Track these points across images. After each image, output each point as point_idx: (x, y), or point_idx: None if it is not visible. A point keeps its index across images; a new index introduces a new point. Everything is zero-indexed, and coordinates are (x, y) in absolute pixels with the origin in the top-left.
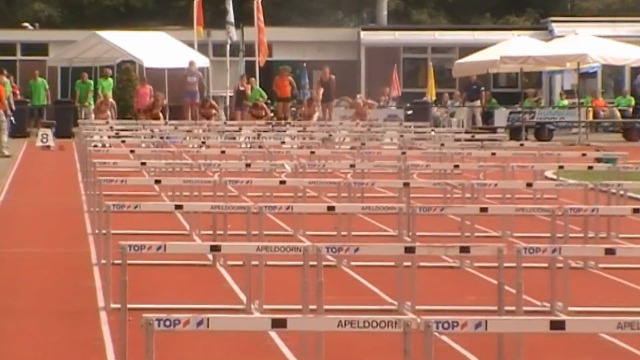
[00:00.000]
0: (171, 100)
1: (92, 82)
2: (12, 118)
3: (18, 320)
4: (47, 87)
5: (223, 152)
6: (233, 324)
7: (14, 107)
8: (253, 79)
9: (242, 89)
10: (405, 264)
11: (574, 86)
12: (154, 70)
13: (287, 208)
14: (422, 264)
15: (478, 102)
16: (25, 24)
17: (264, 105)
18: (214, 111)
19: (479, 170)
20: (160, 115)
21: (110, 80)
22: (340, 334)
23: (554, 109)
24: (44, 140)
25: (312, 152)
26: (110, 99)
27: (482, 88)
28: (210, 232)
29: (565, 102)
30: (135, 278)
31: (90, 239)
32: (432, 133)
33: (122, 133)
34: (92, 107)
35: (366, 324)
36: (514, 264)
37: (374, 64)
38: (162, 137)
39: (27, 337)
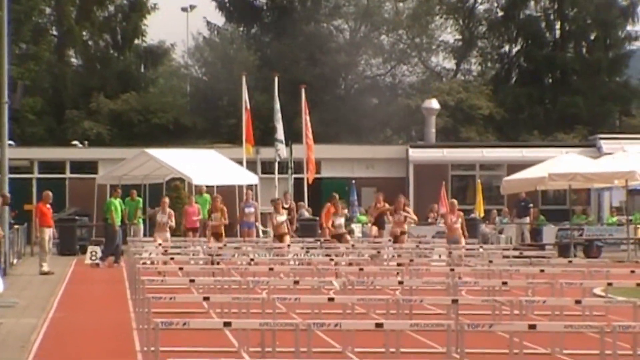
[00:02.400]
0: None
1: (140, 199)
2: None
3: None
4: (123, 207)
5: (271, 269)
6: None
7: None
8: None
9: (286, 206)
10: None
11: (622, 203)
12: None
13: (336, 325)
14: None
15: (527, 219)
16: (75, 142)
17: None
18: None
19: (527, 287)
20: (222, 225)
21: (205, 196)
22: None
23: (602, 226)
24: (93, 257)
25: (361, 269)
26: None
27: (531, 205)
28: (259, 349)
29: (614, 219)
30: None
31: (139, 356)
32: (481, 250)
33: (170, 251)
34: (141, 225)
35: None
36: None
37: (423, 180)
38: (210, 255)
39: None
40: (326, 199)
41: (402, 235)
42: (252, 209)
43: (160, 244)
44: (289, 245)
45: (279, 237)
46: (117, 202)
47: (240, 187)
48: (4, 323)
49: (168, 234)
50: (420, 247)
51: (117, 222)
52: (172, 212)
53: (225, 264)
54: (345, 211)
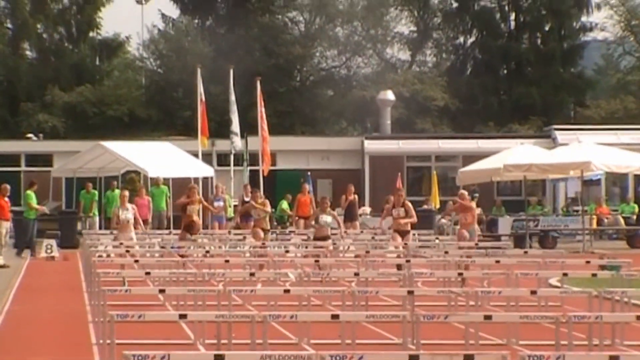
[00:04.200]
0: (175, 210)
1: (96, 192)
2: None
3: None
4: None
5: (227, 261)
6: None
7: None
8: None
9: (246, 199)
10: None
11: (577, 194)
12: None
13: (292, 317)
14: None
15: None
16: (30, 135)
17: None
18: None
19: (483, 278)
20: (196, 221)
21: (162, 188)
22: None
23: (558, 217)
24: (48, 250)
25: (317, 261)
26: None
27: (476, 195)
28: (215, 341)
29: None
30: None
31: (95, 349)
32: (437, 241)
33: (126, 243)
34: (97, 217)
35: None
36: None
37: (378, 172)
38: (163, 247)
39: None
40: (283, 190)
41: (406, 235)
42: (222, 203)
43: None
44: (264, 244)
45: (257, 235)
46: (33, 194)
47: (196, 179)
48: None
49: (133, 234)
50: (376, 239)
51: (32, 214)
52: (135, 206)
53: (181, 257)
54: (335, 212)
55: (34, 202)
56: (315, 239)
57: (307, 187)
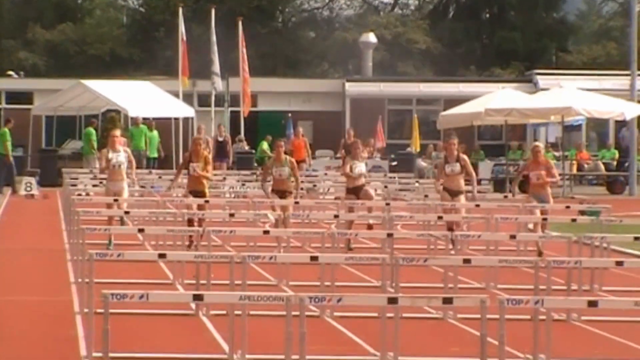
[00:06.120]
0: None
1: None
2: None
3: None
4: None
5: (207, 201)
6: None
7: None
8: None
9: (220, 139)
10: (388, 314)
11: (558, 139)
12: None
13: (271, 258)
14: (405, 314)
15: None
16: (10, 73)
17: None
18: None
19: (462, 222)
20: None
21: (142, 127)
22: None
23: None
24: (28, 189)
25: (296, 202)
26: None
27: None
28: (194, 281)
29: (550, 154)
30: (118, 327)
31: (73, 287)
32: (417, 184)
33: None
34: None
35: None
36: (497, 316)
37: (359, 115)
38: (143, 186)
39: None
40: (264, 131)
41: (459, 195)
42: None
43: (115, 200)
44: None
45: (279, 194)
46: (8, 132)
47: (177, 119)
48: None
49: (125, 184)
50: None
51: (10, 151)
52: (127, 149)
53: (161, 196)
54: (365, 154)
55: (8, 139)
56: (349, 192)
57: (301, 130)
